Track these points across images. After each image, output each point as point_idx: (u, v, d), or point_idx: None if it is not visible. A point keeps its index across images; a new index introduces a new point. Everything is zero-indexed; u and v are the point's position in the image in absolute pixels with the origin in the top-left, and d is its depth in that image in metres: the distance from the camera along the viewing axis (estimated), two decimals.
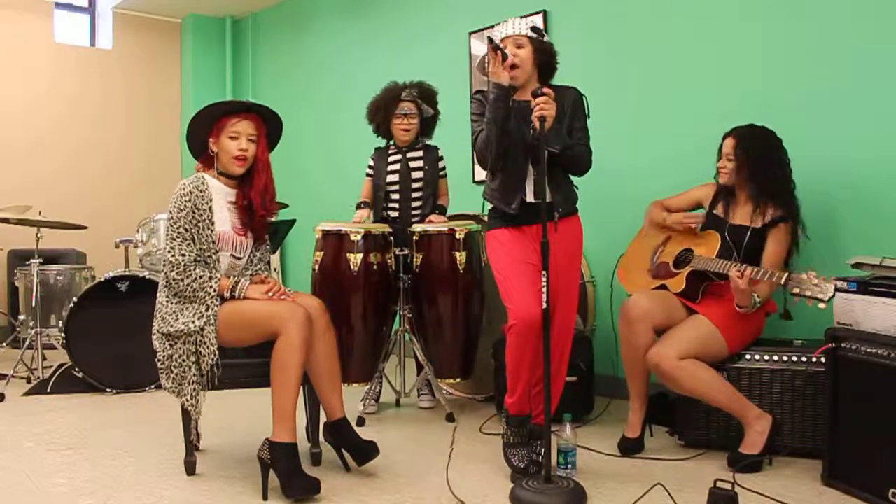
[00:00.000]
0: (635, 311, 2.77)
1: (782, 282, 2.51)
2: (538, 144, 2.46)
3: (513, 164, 2.62)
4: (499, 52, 2.51)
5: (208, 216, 2.56)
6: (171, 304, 2.55)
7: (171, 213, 2.56)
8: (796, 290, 2.46)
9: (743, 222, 2.85)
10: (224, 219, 2.62)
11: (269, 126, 2.72)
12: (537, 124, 2.42)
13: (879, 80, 2.89)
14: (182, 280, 2.51)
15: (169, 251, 2.54)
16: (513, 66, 2.56)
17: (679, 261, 2.95)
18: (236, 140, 2.60)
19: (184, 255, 2.52)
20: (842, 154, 2.99)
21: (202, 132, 2.64)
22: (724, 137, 2.90)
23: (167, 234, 2.57)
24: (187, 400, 2.51)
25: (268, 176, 2.68)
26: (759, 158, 2.80)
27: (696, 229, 2.96)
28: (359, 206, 3.61)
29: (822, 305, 2.41)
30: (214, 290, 2.52)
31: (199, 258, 2.55)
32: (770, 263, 2.74)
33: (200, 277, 2.52)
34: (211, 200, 2.58)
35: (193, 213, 2.54)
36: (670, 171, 3.48)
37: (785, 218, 2.78)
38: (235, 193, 2.67)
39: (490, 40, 2.52)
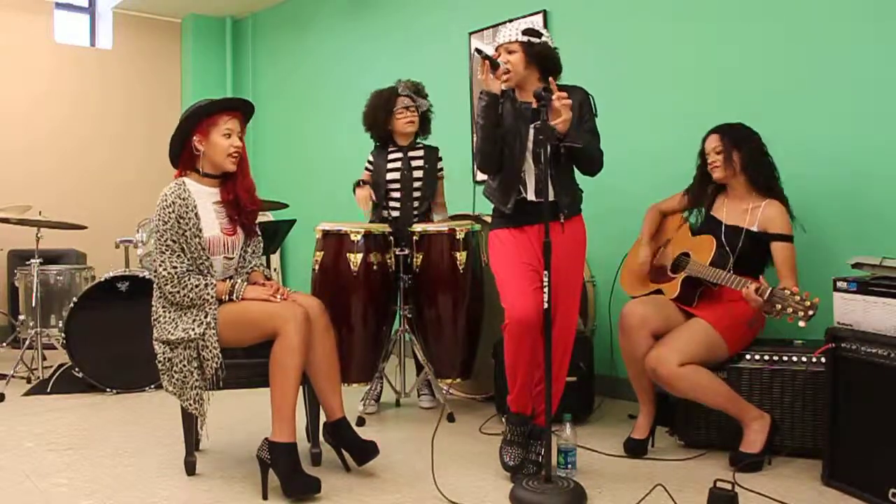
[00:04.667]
0: (632, 320, 2.77)
1: (765, 297, 2.52)
2: (558, 141, 2.47)
3: (510, 165, 2.63)
4: (487, 62, 2.54)
5: (195, 223, 2.53)
6: (169, 312, 2.53)
7: (157, 226, 2.52)
8: (778, 307, 2.49)
9: (737, 223, 2.84)
10: (211, 222, 2.59)
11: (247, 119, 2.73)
12: (558, 126, 2.42)
13: (875, 80, 2.89)
14: (178, 292, 2.49)
15: (160, 265, 2.50)
16: (505, 72, 2.58)
17: (676, 265, 2.95)
18: (230, 137, 2.59)
19: (175, 268, 2.49)
20: (839, 154, 2.99)
21: (187, 131, 2.59)
22: (704, 139, 2.92)
23: (156, 248, 2.52)
24: (191, 403, 2.50)
25: (249, 170, 2.69)
26: (747, 148, 2.84)
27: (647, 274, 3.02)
28: (357, 185, 3.58)
29: (802, 324, 2.43)
30: (211, 296, 2.51)
31: (191, 267, 2.53)
32: (787, 268, 2.72)
33: (196, 286, 2.50)
34: (195, 206, 2.55)
35: (179, 223, 2.50)
36: (671, 169, 3.48)
37: (785, 237, 2.76)
38: (219, 192, 2.65)
39: (478, 51, 2.57)
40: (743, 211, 2.85)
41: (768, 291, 2.52)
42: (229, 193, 2.63)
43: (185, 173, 2.64)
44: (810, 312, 2.43)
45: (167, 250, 2.50)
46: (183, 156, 2.63)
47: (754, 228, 2.80)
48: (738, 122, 2.89)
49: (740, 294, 2.79)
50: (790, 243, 2.77)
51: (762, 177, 2.83)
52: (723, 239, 2.83)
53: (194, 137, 2.59)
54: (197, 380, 2.49)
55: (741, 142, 2.84)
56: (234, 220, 2.65)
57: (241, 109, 2.66)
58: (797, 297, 2.45)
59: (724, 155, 2.84)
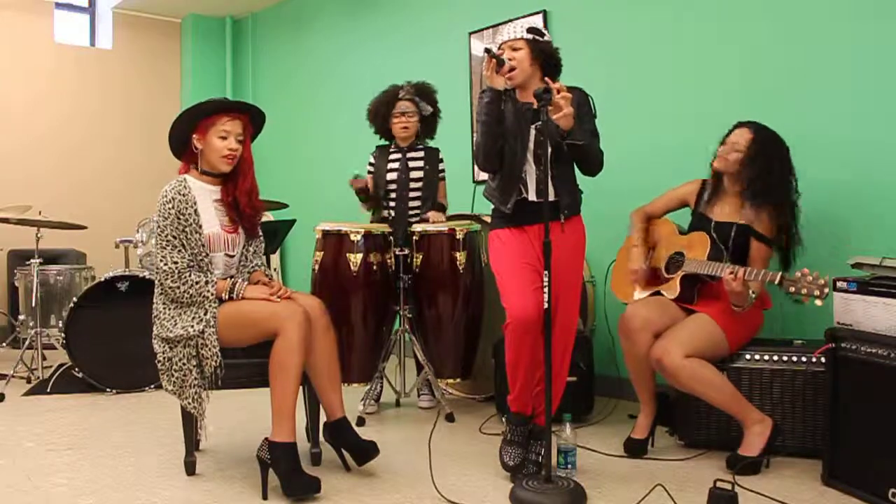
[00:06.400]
0: (634, 322, 2.77)
1: (776, 282, 2.51)
2: (560, 139, 2.47)
3: (510, 165, 2.63)
4: (493, 59, 2.54)
5: (195, 220, 2.54)
6: (169, 309, 2.53)
7: (157, 222, 2.54)
8: (792, 290, 2.47)
9: (728, 219, 2.83)
10: (211, 219, 2.60)
11: (255, 125, 2.72)
12: (561, 121, 2.42)
13: (875, 80, 2.89)
14: (178, 287, 2.50)
15: (161, 260, 2.51)
16: (510, 69, 2.58)
17: (670, 265, 2.95)
18: (226, 139, 2.58)
19: (176, 263, 2.50)
20: (839, 154, 2.99)
21: (187, 129, 2.61)
22: (737, 126, 2.85)
23: (157, 244, 2.54)
24: (190, 402, 2.50)
25: (252, 175, 2.68)
26: (772, 164, 2.75)
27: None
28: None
29: (818, 302, 2.40)
30: (212, 294, 2.51)
31: (191, 263, 2.54)
32: (758, 259, 2.75)
33: (196, 283, 2.50)
34: (195, 203, 2.56)
35: (178, 219, 2.51)
36: (671, 168, 3.48)
37: (766, 239, 2.75)
38: (220, 191, 2.65)
39: (487, 50, 2.56)
40: (734, 207, 2.85)
41: (779, 277, 2.50)
42: (229, 195, 2.64)
43: (188, 169, 2.66)
44: (825, 290, 2.39)
45: (168, 245, 2.51)
46: (186, 151, 2.65)
47: (742, 221, 2.80)
48: (774, 132, 2.79)
49: None
50: (769, 247, 2.77)
51: (772, 195, 2.74)
52: (713, 234, 2.83)
53: (194, 136, 2.60)
54: (196, 378, 2.49)
55: (771, 153, 2.75)
56: (235, 220, 2.66)
57: (244, 112, 2.65)
58: (809, 278, 2.43)
59: (744, 157, 2.76)
